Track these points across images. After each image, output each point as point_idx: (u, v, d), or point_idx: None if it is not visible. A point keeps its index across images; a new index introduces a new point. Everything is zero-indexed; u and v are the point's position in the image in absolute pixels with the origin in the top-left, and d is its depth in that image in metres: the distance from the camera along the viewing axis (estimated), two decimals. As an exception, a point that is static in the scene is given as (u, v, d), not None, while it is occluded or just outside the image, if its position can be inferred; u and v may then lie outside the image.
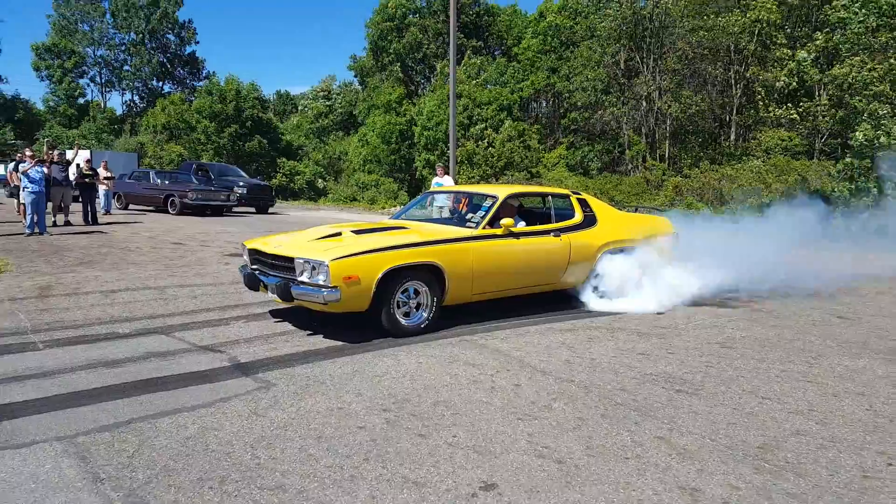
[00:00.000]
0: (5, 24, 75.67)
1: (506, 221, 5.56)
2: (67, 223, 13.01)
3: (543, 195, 6.73)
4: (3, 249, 9.31)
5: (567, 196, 6.55)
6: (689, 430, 3.23)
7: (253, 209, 20.87)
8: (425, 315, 5.09)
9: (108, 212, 16.42)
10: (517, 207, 6.45)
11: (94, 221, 13.65)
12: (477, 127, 28.26)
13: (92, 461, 2.77)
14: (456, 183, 16.20)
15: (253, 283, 5.27)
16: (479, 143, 27.16)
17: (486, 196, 6.08)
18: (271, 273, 5.15)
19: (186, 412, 3.34)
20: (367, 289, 4.72)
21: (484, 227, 5.55)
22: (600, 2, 28.19)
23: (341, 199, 30.04)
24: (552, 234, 6.00)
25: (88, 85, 51.02)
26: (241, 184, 20.60)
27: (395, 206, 25.42)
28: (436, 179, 12.34)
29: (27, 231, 11.03)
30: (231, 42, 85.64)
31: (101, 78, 51.41)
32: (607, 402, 3.61)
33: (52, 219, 12.73)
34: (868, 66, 17.85)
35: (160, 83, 51.92)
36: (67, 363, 4.13)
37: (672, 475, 2.73)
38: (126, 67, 50.92)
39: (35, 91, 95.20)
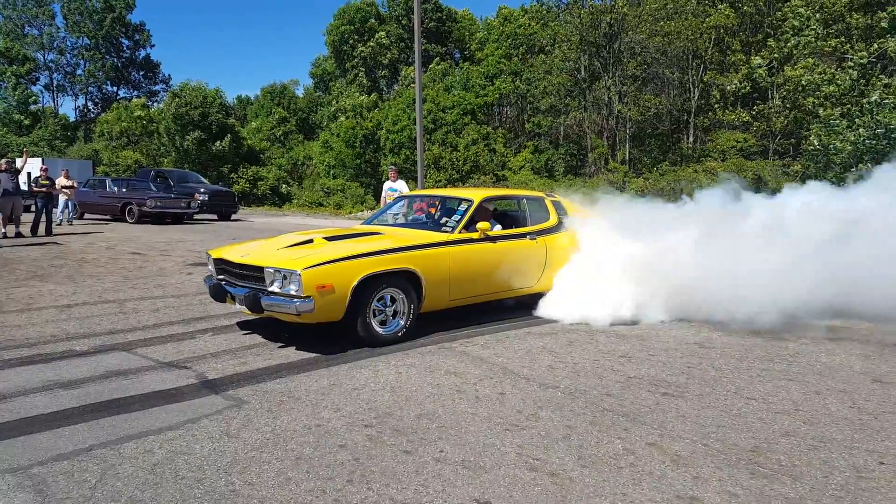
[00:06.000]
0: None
1: (482, 225, 5.49)
2: (19, 234, 12.42)
3: (518, 198, 6.68)
4: (-53, 264, 8.78)
5: (541, 199, 6.51)
6: (679, 434, 3.17)
7: (215, 216, 20.36)
8: (402, 323, 4.96)
9: (70, 222, 15.78)
10: (492, 211, 6.38)
11: (49, 232, 13.06)
12: (441, 131, 28.22)
13: (50, 494, 2.55)
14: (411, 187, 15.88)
15: (219, 294, 5.03)
16: (444, 146, 27.12)
17: (460, 200, 5.99)
18: (239, 283, 4.93)
19: (153, 436, 3.12)
20: (342, 298, 4.55)
21: (460, 232, 5.46)
22: (560, 8, 28.55)
23: (306, 205, 29.57)
24: (528, 237, 5.94)
25: (41, 91, 49.17)
26: (203, 190, 20.09)
27: (362, 210, 25.14)
28: (388, 184, 11.91)
29: (-26, 244, 10.47)
30: (189, 46, 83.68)
31: (53, 83, 49.55)
32: (594, 408, 3.54)
33: (2, 230, 12.13)
34: (819, 69, 18.51)
35: (115, 88, 50.40)
36: (21, 385, 3.85)
37: (668, 483, 2.66)
38: (79, 72, 49.19)
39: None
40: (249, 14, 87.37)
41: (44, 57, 48.44)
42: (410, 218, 7.09)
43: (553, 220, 6.24)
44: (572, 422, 3.33)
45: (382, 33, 37.03)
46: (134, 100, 41.40)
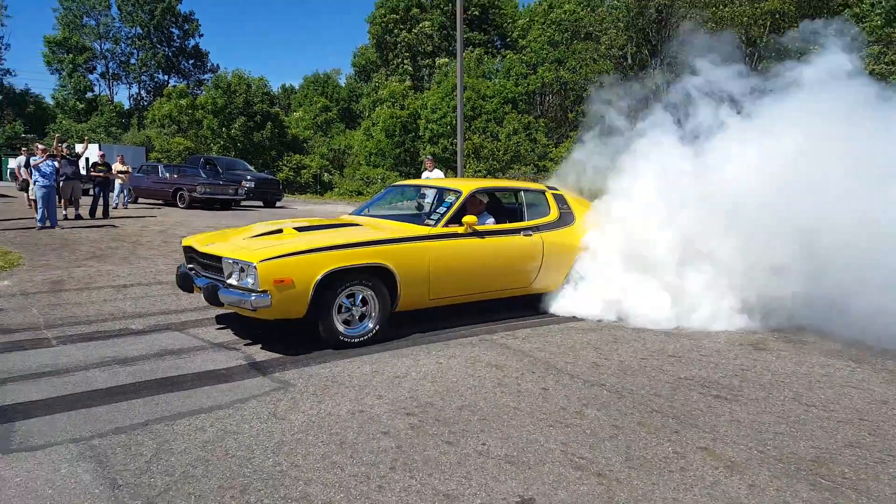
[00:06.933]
0: (13, 18, 75.24)
1: (468, 219, 5.05)
2: (78, 217, 12.97)
3: (515, 190, 6.12)
4: (15, 243, 9.21)
5: (542, 192, 6.01)
6: (733, 440, 3.06)
7: (261, 203, 20.78)
8: (370, 325, 4.55)
9: (125, 206, 16.39)
10: (487, 203, 5.89)
11: (105, 215, 13.58)
12: (481, 119, 27.99)
13: (109, 466, 2.65)
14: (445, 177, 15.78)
15: (186, 283, 4.74)
16: (484, 135, 26.91)
17: (449, 191, 5.59)
18: (202, 273, 4.69)
19: (204, 414, 3.21)
20: (303, 293, 4.19)
21: (444, 225, 5.03)
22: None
23: (347, 193, 29.86)
24: (522, 232, 5.49)
25: (97, 79, 51.14)
26: (249, 177, 20.50)
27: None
28: (425, 174, 11.77)
29: (38, 225, 10.97)
30: (233, 35, 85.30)
31: (108, 72, 51.44)
32: (642, 408, 3.45)
33: (63, 212, 12.68)
34: (887, 58, 17.55)
35: (166, 76, 51.92)
36: (81, 361, 4.02)
37: (721, 490, 2.57)
38: (133, 61, 50.94)
39: (43, 85, 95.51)
40: (294, 2, 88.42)
41: (100, 46, 50.28)
42: (402, 209, 6.80)
43: (553, 214, 5.76)
44: (619, 421, 3.26)
45: (427, 23, 36.91)
46: (175, 87, 42.52)
